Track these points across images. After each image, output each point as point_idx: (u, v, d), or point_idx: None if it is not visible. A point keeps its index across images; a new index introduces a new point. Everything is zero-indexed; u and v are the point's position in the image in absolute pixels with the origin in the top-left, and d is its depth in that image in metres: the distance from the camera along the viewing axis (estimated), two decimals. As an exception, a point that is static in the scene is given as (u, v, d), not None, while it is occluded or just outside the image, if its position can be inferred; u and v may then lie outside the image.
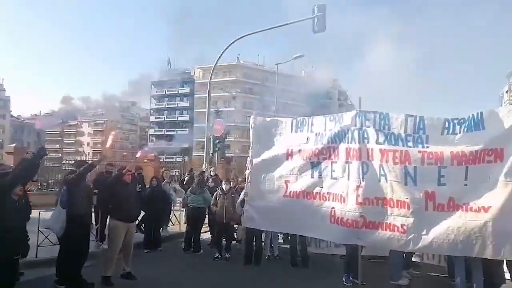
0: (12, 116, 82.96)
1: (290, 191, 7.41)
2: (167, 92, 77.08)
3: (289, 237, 8.46)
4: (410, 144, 6.42)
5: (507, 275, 6.24)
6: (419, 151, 6.35)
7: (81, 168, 5.83)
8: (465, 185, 6.08)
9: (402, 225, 6.36)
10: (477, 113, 6.00)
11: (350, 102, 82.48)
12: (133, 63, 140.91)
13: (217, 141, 15.45)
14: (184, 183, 12.09)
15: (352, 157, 6.74)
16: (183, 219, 11.39)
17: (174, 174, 18.01)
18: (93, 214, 7.01)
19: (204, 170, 14.51)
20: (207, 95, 16.69)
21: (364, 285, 6.68)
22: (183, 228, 10.88)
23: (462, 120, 6.14)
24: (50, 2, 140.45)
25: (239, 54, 71.24)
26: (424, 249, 6.42)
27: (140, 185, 9.36)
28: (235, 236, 9.71)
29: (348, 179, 6.75)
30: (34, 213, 6.89)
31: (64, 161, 58.86)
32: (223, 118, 51.80)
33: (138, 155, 8.18)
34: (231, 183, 9.13)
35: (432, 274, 7.49)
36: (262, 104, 68.97)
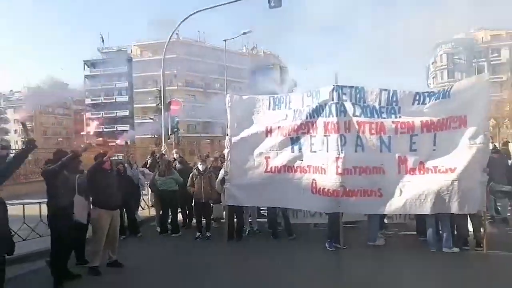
0: None
1: (271, 167, 7.63)
2: (102, 72, 72.65)
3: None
4: (384, 115, 6.90)
5: (470, 228, 7.04)
6: (393, 122, 6.86)
7: (63, 159, 5.49)
8: (434, 150, 6.73)
9: (379, 189, 6.91)
10: (447, 87, 6.63)
11: (292, 77, 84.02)
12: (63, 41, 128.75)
13: (176, 121, 15.12)
14: (148, 166, 11.81)
15: (330, 130, 7.08)
16: (150, 203, 11.18)
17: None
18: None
19: (163, 153, 14.20)
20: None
21: (346, 248, 7.19)
22: (152, 212, 10.71)
23: (432, 93, 6.72)
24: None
25: (178, 31, 68.83)
26: (399, 210, 7.02)
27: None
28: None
29: (327, 151, 7.11)
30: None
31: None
32: (167, 97, 50.62)
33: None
34: (207, 162, 9.08)
35: (402, 232, 8.21)
36: (205, 81, 68.01)
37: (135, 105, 67.76)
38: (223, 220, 9.93)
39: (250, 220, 8.96)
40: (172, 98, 16.65)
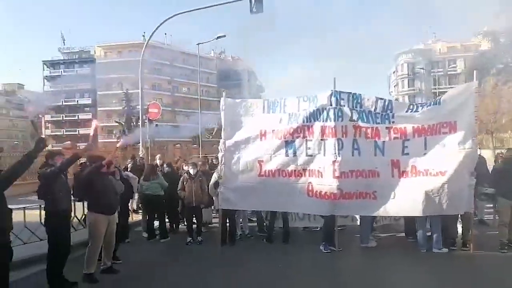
0: None
1: (265, 170, 7.66)
2: (63, 73, 69.74)
3: (266, 215, 8.62)
4: (378, 120, 7.15)
5: (459, 229, 7.41)
6: (386, 127, 7.14)
7: (64, 160, 5.24)
8: (425, 153, 7.04)
9: (373, 192, 7.12)
10: (438, 98, 7.03)
11: (260, 82, 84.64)
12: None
13: (155, 124, 14.80)
14: (129, 170, 11.49)
15: (327, 134, 7.22)
16: (132, 208, 10.86)
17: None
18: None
19: (142, 156, 13.88)
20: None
21: (340, 250, 7.33)
22: (135, 217, 10.41)
23: (424, 104, 7.10)
24: None
25: (144, 33, 67.51)
26: (392, 212, 7.27)
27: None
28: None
29: (324, 155, 7.25)
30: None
31: None
32: (133, 100, 49.27)
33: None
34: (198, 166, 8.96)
35: (391, 234, 8.48)
36: (173, 85, 67.00)
37: (99, 108, 65.51)
38: (211, 225, 9.88)
39: (241, 224, 8.93)
40: (151, 102, 16.19)
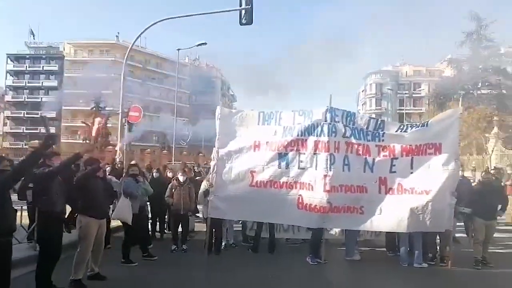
0: None
1: (257, 181, 7.73)
2: (28, 68, 66.78)
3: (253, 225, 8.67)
4: (369, 138, 7.45)
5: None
6: (376, 145, 7.44)
7: (65, 160, 5.09)
8: (411, 172, 7.38)
9: (361, 207, 7.37)
10: (426, 121, 7.47)
11: (232, 92, 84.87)
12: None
13: (133, 128, 14.51)
14: (108, 174, 11.19)
15: (320, 149, 7.43)
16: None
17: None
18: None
19: (122, 160, 13.56)
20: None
21: (326, 263, 7.50)
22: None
23: (414, 125, 7.49)
24: None
25: (118, 33, 66.37)
26: (378, 227, 7.54)
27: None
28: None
29: (316, 169, 7.44)
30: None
31: None
32: (104, 101, 47.90)
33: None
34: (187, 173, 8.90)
35: (371, 248, 8.76)
36: (145, 88, 65.68)
37: (63, 107, 63.03)
38: (193, 233, 9.79)
39: (227, 233, 8.91)
40: (134, 105, 15.89)
